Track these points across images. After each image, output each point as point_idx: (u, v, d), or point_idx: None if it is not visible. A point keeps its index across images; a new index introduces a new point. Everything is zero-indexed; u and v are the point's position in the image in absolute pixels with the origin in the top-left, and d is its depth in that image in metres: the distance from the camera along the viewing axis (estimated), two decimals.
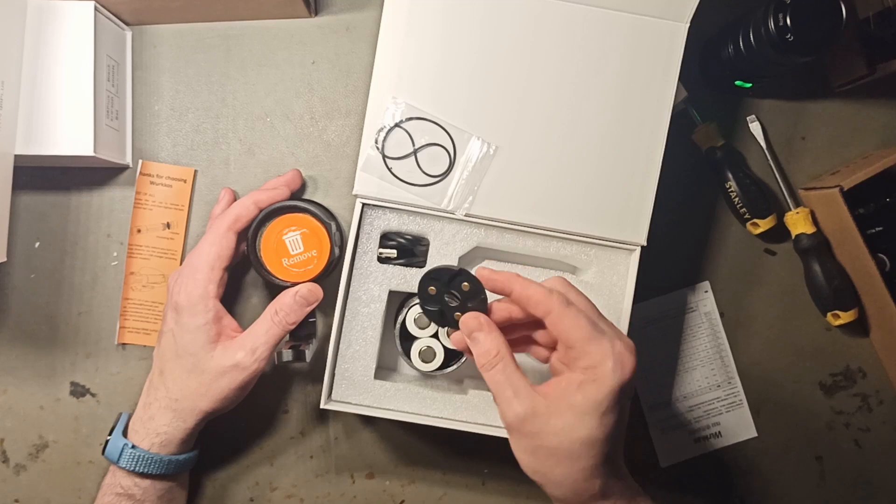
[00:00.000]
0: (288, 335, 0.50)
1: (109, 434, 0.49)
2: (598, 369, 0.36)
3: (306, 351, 0.50)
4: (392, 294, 0.52)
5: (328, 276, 0.51)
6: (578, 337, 0.37)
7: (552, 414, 0.37)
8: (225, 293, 0.51)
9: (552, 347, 0.43)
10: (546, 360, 0.43)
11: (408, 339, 0.51)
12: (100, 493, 0.49)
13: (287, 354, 0.49)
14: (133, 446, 0.47)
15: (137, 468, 0.47)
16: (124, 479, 0.48)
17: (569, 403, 0.37)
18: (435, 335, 0.51)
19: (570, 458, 0.37)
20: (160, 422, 0.48)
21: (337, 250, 0.51)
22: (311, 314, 0.50)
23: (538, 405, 0.37)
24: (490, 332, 0.39)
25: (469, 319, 0.40)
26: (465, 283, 0.42)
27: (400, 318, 0.51)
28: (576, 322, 0.37)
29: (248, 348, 0.47)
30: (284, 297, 0.49)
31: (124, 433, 0.49)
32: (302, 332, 0.51)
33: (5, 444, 0.57)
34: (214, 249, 0.48)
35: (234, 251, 0.50)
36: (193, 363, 0.47)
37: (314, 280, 0.50)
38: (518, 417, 0.37)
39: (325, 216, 0.51)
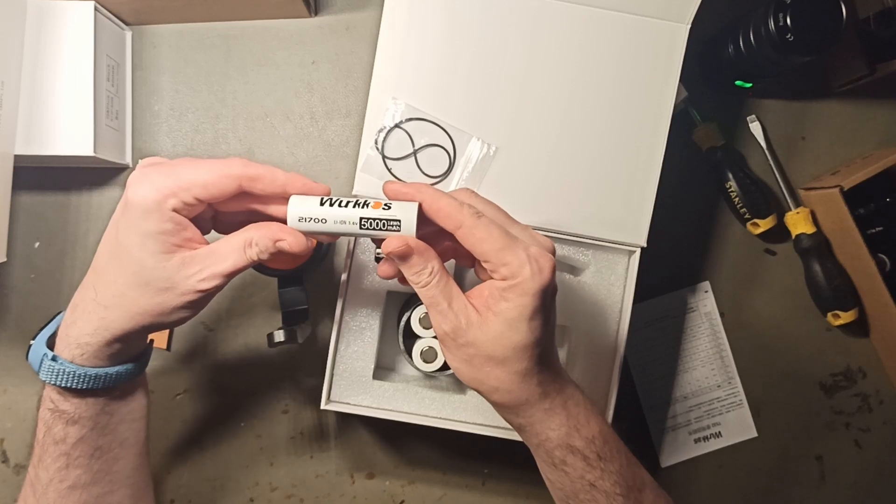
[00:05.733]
0: (281, 321, 0.49)
1: (37, 334, 0.41)
2: (517, 277, 0.37)
3: (298, 332, 0.49)
4: (390, 294, 0.52)
5: (317, 264, 0.50)
6: (491, 248, 0.37)
7: (483, 323, 0.38)
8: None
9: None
10: (472, 266, 0.43)
11: (410, 338, 0.51)
12: (40, 404, 0.42)
13: (279, 335, 0.48)
14: (53, 357, 0.39)
15: (59, 382, 0.39)
16: (52, 393, 0.41)
17: (495, 312, 0.37)
18: None
19: (505, 363, 0.38)
20: (83, 330, 0.39)
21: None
22: (302, 301, 0.50)
23: (471, 315, 0.38)
24: (420, 251, 0.38)
25: (394, 242, 0.38)
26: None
27: (405, 318, 0.51)
28: (487, 233, 0.37)
29: (210, 268, 0.38)
30: (263, 230, 0.38)
31: (53, 336, 0.41)
32: (294, 319, 0.50)
33: (5, 444, 0.57)
34: (203, 177, 0.36)
35: (223, 197, 0.38)
36: (136, 271, 0.38)
37: (300, 267, 0.48)
38: (453, 329, 0.38)
39: None
